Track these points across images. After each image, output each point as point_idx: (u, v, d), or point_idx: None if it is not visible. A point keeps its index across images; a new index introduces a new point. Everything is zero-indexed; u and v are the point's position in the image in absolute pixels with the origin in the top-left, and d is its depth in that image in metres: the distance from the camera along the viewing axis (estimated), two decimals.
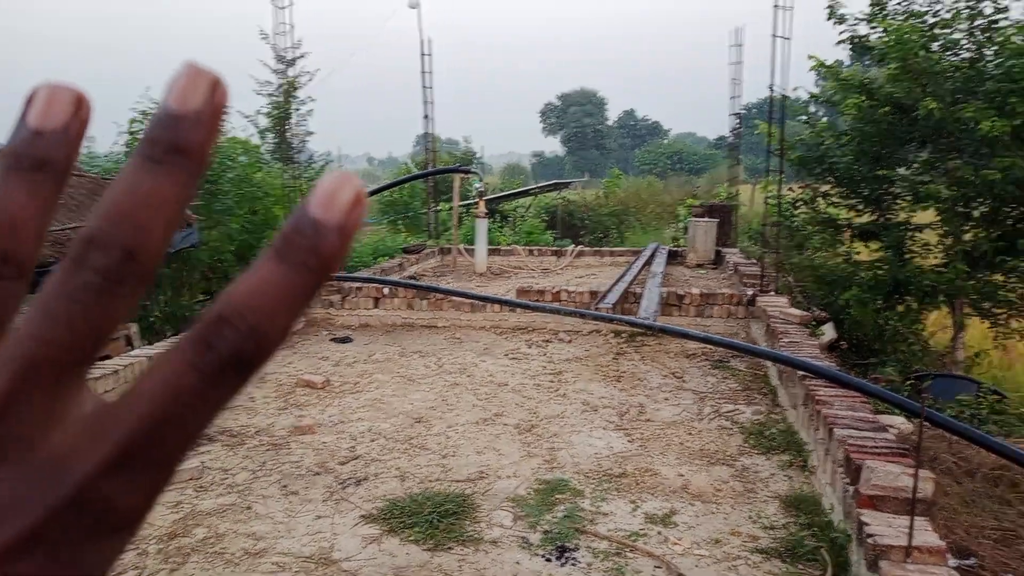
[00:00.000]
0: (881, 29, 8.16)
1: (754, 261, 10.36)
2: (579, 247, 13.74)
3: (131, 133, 9.44)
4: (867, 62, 9.13)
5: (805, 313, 7.12)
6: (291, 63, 12.83)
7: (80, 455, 0.21)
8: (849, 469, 3.63)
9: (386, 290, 8.55)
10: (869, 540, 3.09)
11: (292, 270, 0.21)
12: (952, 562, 3.20)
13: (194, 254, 8.71)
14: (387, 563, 3.46)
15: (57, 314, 0.20)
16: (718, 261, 12.15)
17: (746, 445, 4.92)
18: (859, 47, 8.74)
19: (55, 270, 0.21)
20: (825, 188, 9.21)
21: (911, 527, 2.98)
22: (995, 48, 7.85)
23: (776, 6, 7.60)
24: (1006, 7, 7.83)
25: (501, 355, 7.23)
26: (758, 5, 9.34)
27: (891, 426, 4.73)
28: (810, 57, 8.77)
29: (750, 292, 8.11)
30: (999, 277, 7.91)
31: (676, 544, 3.63)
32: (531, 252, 13.33)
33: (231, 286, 0.21)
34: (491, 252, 12.42)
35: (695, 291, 8.31)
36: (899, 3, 8.38)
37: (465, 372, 6.63)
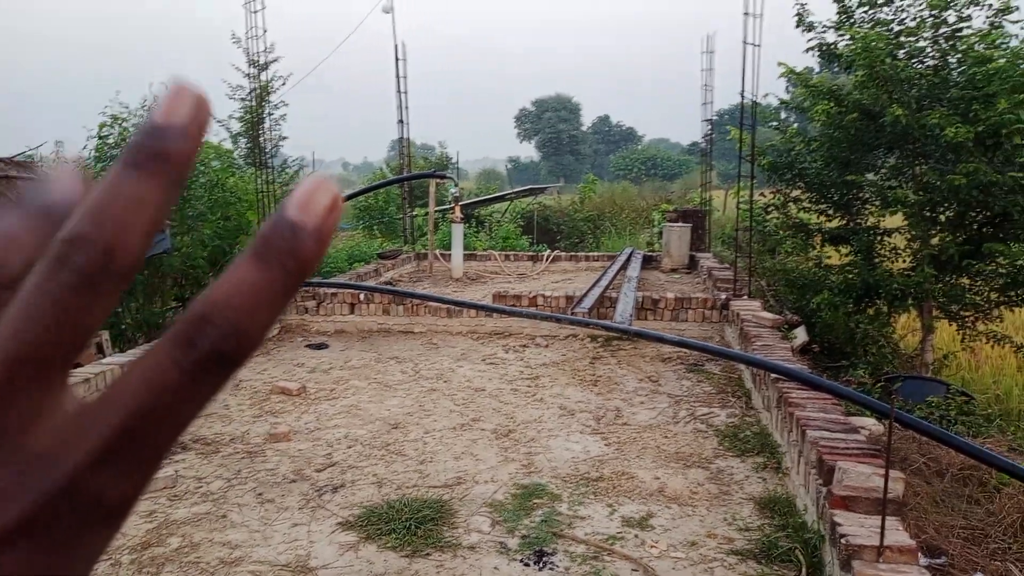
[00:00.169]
0: (848, 37, 8.31)
1: (727, 266, 10.48)
2: (555, 252, 13.79)
3: (100, 137, 9.30)
4: (835, 69, 9.28)
5: (777, 317, 7.21)
6: (264, 67, 12.74)
7: (67, 449, 0.21)
8: (822, 470, 3.69)
9: (362, 296, 8.51)
10: (842, 540, 3.14)
11: (271, 270, 0.21)
12: (923, 561, 3.26)
13: (166, 260, 8.59)
14: (365, 570, 3.45)
15: (39, 313, 0.21)
16: (692, 266, 12.27)
17: (721, 448, 4.97)
18: (827, 54, 8.88)
19: (36, 269, 0.21)
20: (796, 193, 9.34)
21: (882, 527, 3.04)
22: (959, 56, 8.03)
23: (746, 14, 7.71)
24: (969, 16, 8.01)
25: (478, 360, 7.23)
26: (729, 13, 9.47)
27: (862, 427, 4.81)
28: (780, 64, 8.90)
29: (724, 296, 8.20)
30: (966, 280, 8.07)
31: (653, 547, 3.65)
32: (507, 257, 13.35)
33: (211, 286, 0.22)
34: (467, 257, 12.42)
35: (670, 295, 8.39)
36: (866, 11, 8.53)
37: (442, 378, 6.62)
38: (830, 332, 8.16)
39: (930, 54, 8.23)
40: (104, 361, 6.12)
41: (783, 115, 11.16)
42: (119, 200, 0.21)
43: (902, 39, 8.18)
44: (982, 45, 7.75)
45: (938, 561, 3.59)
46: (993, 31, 7.95)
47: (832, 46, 8.80)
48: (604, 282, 9.20)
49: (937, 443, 4.48)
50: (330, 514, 3.99)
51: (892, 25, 8.36)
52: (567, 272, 12.70)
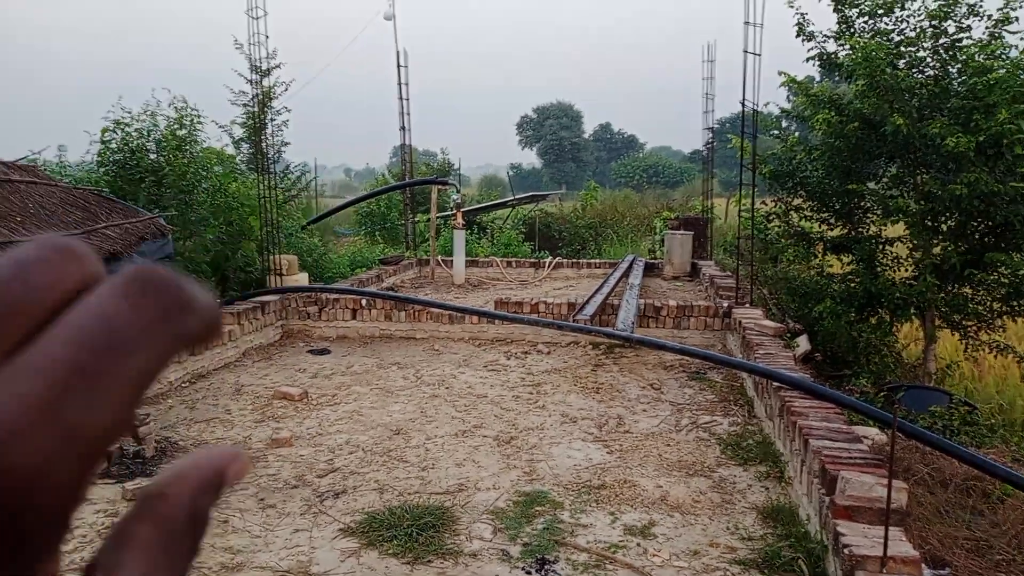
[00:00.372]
0: (849, 47, 8.33)
1: (729, 273, 10.48)
2: (557, 259, 13.80)
3: (103, 143, 9.32)
4: (837, 79, 9.31)
5: (779, 325, 7.21)
6: (266, 73, 12.79)
7: (13, 388, 0.19)
8: (824, 480, 3.68)
9: (364, 301, 8.51)
10: (845, 550, 3.13)
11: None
12: (927, 572, 3.25)
13: (169, 265, 8.60)
14: None
15: None
16: (694, 273, 12.27)
17: (723, 456, 4.96)
18: (828, 64, 8.91)
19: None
20: (797, 202, 9.36)
21: (886, 537, 3.03)
22: (959, 66, 8.05)
23: (747, 23, 7.73)
24: (969, 27, 8.04)
25: (480, 367, 7.23)
26: (730, 22, 9.49)
27: (865, 437, 4.80)
28: (780, 73, 8.93)
29: (726, 304, 8.20)
30: (968, 290, 8.08)
31: (655, 556, 3.65)
32: (509, 264, 13.36)
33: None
34: (469, 264, 12.42)
35: (672, 303, 8.38)
36: (866, 21, 8.56)
37: (444, 384, 6.61)
38: (832, 341, 8.16)
39: (930, 64, 8.26)
40: None
41: (784, 124, 11.18)
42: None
43: (902, 49, 8.20)
44: (982, 55, 7.78)
45: (942, 572, 3.58)
46: (993, 42, 7.97)
47: (833, 56, 8.82)
48: (606, 289, 9.20)
49: (940, 453, 4.47)
50: (332, 520, 3.98)
51: (892, 35, 8.39)
52: (569, 279, 12.70)
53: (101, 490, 4.27)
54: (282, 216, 10.59)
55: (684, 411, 5.92)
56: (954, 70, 8.19)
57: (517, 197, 20.29)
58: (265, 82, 12.52)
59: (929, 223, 8.14)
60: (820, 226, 9.33)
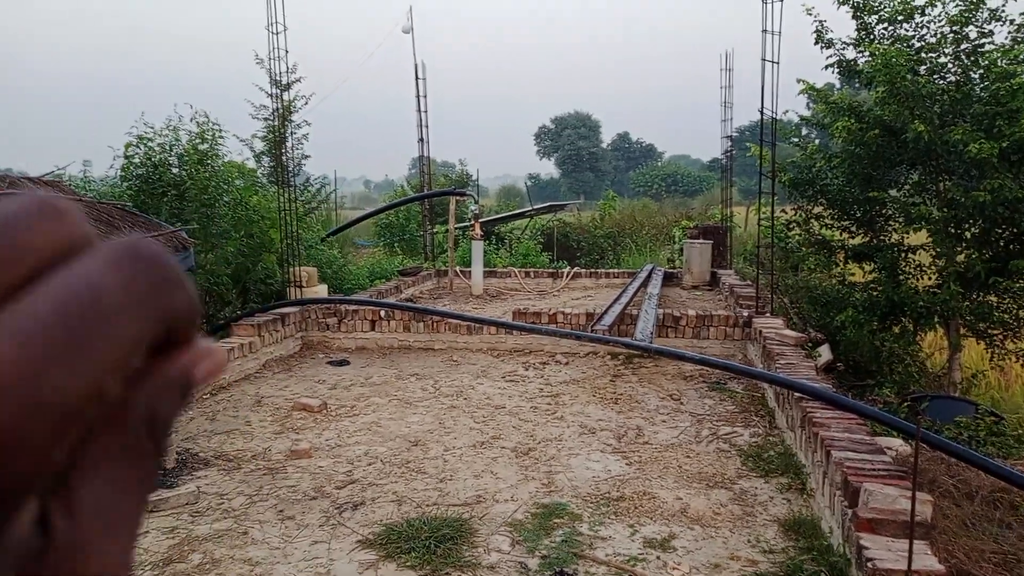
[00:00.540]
0: (868, 54, 8.27)
1: (749, 283, 10.40)
2: (575, 269, 13.78)
3: (127, 157, 9.47)
4: (856, 86, 9.24)
5: (800, 335, 7.14)
6: (286, 87, 12.95)
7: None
8: (847, 492, 3.63)
9: (383, 313, 8.55)
10: (868, 564, 3.08)
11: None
12: None
13: (190, 277, 8.69)
14: None
15: None
16: (714, 283, 12.20)
17: (744, 468, 4.91)
18: (847, 71, 8.85)
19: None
20: (818, 210, 9.28)
21: (910, 551, 2.98)
22: (981, 72, 7.96)
23: (764, 31, 7.71)
24: (991, 32, 7.95)
25: (498, 377, 7.22)
26: (748, 31, 9.47)
27: (889, 448, 4.73)
28: (799, 81, 8.88)
29: (746, 313, 8.13)
30: (993, 298, 7.95)
31: (675, 569, 3.61)
32: (527, 274, 13.36)
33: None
34: (487, 274, 12.45)
35: (691, 313, 8.33)
36: (885, 28, 8.50)
37: (462, 395, 6.61)
38: (855, 350, 8.06)
39: (952, 70, 8.17)
40: None
41: (805, 131, 11.10)
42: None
43: (923, 55, 8.13)
44: (1005, 60, 7.68)
45: None
46: (1016, 47, 7.88)
47: (852, 63, 8.76)
48: (624, 299, 9.17)
49: (966, 464, 4.39)
50: (350, 532, 3.99)
51: (913, 41, 8.32)
52: (587, 289, 12.68)
53: None
54: (302, 228, 10.67)
55: (704, 422, 5.88)
56: (976, 76, 8.10)
57: (535, 207, 20.32)
58: (285, 96, 12.67)
59: (952, 230, 8.04)
60: (841, 234, 9.24)
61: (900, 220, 8.60)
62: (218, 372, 0.25)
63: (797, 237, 9.54)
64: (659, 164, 69.44)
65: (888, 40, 8.44)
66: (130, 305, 0.21)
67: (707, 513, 4.23)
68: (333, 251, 12.84)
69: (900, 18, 8.37)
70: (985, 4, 7.99)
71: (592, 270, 14.09)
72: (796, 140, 10.13)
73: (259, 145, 15.35)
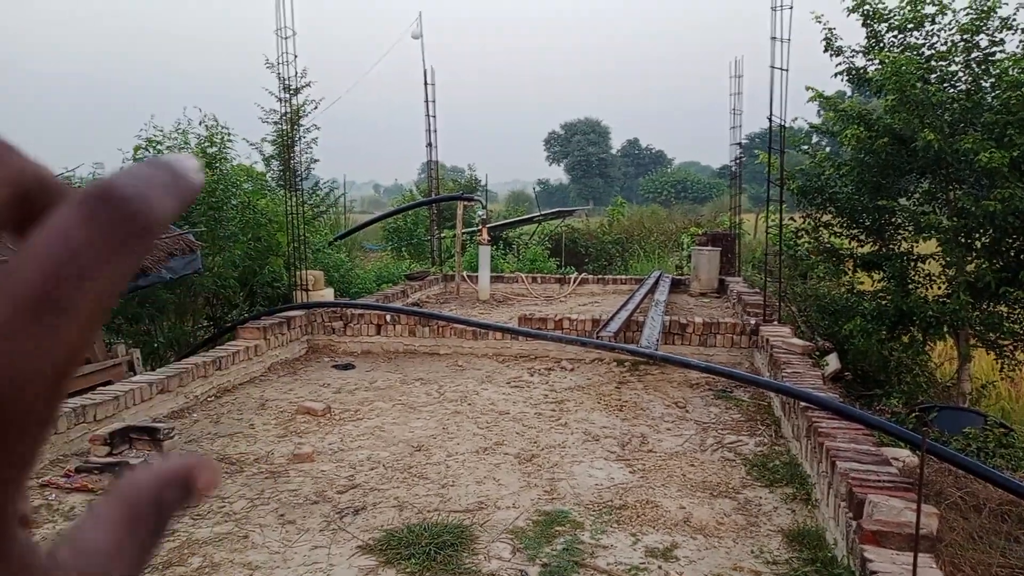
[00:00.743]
0: (878, 61, 8.23)
1: (757, 290, 10.35)
2: (582, 275, 13.76)
3: (136, 160, 9.51)
4: (867, 93, 9.19)
5: (808, 343, 7.09)
6: (296, 92, 13.00)
7: None
8: (852, 503, 3.59)
9: (388, 317, 8.55)
10: None
11: (162, 171, 0.24)
12: None
13: (197, 280, 8.72)
14: None
15: None
16: (722, 290, 12.14)
17: (749, 477, 4.87)
18: (857, 79, 8.81)
19: None
20: (827, 218, 9.22)
21: (915, 564, 2.94)
22: (992, 80, 7.91)
23: (773, 38, 7.68)
24: (1002, 40, 7.89)
25: (503, 383, 7.20)
26: (757, 37, 9.44)
27: (896, 458, 4.68)
28: (808, 88, 8.84)
29: (753, 321, 8.09)
30: (1003, 308, 7.87)
31: None
32: (534, 279, 13.34)
33: (109, 175, 0.23)
34: (494, 279, 12.44)
35: (698, 320, 8.29)
36: (895, 36, 8.45)
37: (466, 400, 6.60)
38: (863, 359, 8.00)
39: (962, 78, 8.12)
40: (135, 379, 6.20)
41: (815, 139, 11.05)
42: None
43: (933, 63, 8.08)
44: (1016, 69, 7.62)
45: None
46: None
47: (862, 70, 8.72)
48: (631, 306, 9.13)
49: (974, 477, 4.34)
50: (350, 537, 3.97)
51: (923, 49, 8.27)
52: (594, 295, 12.65)
53: None
54: (310, 232, 10.70)
55: (709, 430, 5.83)
56: (987, 84, 8.04)
57: (543, 213, 20.31)
58: (294, 100, 12.72)
59: (962, 240, 7.97)
60: (850, 242, 9.18)
61: (909, 229, 8.55)
62: (215, 485, 0.28)
63: (806, 245, 9.49)
64: (669, 170, 69.35)
65: (898, 48, 8.40)
66: (103, 257, 0.21)
67: (710, 523, 4.19)
68: (340, 255, 12.87)
69: (910, 26, 8.33)
70: (996, 12, 7.94)
71: (600, 276, 14.06)
72: (806, 148, 10.08)
73: (268, 149, 15.42)
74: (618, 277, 13.96)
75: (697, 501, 4.49)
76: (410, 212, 17.40)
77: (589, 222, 22.58)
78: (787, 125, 8.52)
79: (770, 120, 8.22)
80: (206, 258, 8.64)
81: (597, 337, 7.63)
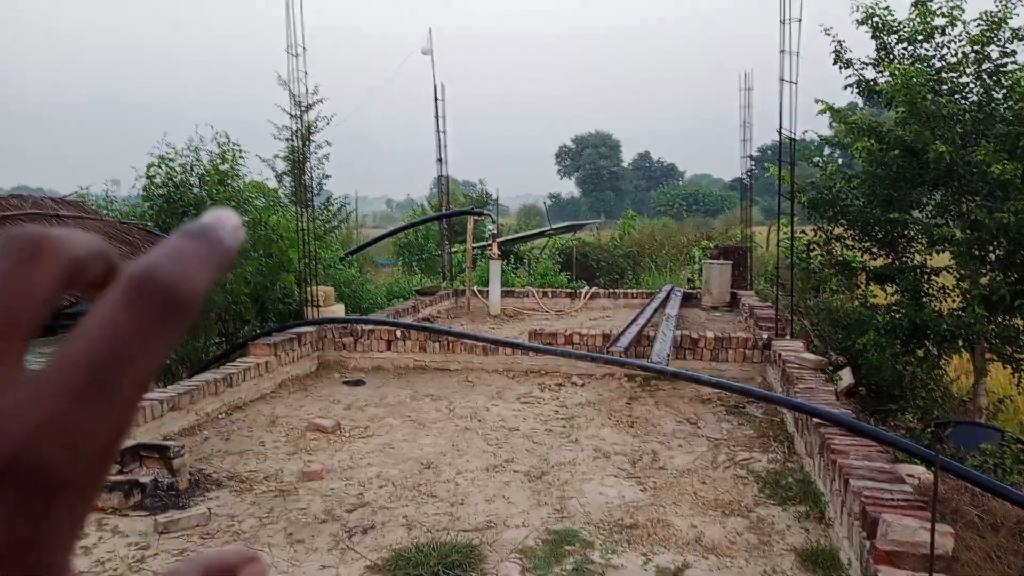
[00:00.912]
0: (888, 73, 8.20)
1: (769, 304, 10.28)
2: (593, 289, 13.73)
3: (148, 178, 9.61)
4: (878, 105, 9.16)
5: (820, 358, 7.02)
6: (307, 108, 13.10)
7: (31, 405, 0.22)
8: (866, 522, 3.53)
9: (398, 333, 8.55)
10: None
11: (198, 243, 0.25)
12: None
13: (209, 296, 8.75)
14: None
15: None
16: (734, 303, 12.08)
17: (762, 495, 4.81)
18: (867, 91, 8.77)
19: None
20: (839, 231, 9.16)
21: None
22: (1004, 91, 7.85)
23: (782, 51, 7.67)
24: (1013, 51, 7.84)
25: (513, 399, 7.18)
26: (767, 51, 9.44)
27: (910, 475, 4.62)
28: (818, 101, 8.81)
29: (765, 336, 8.03)
30: (1019, 322, 7.78)
31: None
32: (545, 294, 13.33)
33: (148, 254, 0.24)
34: (505, 294, 12.44)
35: (710, 335, 8.24)
36: (905, 48, 8.42)
37: (476, 416, 6.57)
38: (877, 374, 7.91)
39: (974, 90, 8.07)
40: (146, 396, 6.22)
41: (827, 151, 11.00)
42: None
43: (944, 75, 8.04)
44: None
45: None
46: None
47: (872, 83, 8.69)
48: (642, 320, 9.10)
49: (991, 494, 4.27)
50: (359, 556, 3.95)
51: (933, 61, 8.24)
52: (606, 309, 12.61)
53: (133, 522, 4.32)
54: (321, 248, 10.74)
55: (721, 447, 5.78)
56: (999, 95, 7.99)
57: (554, 227, 20.32)
58: (306, 117, 12.82)
59: (976, 252, 7.90)
60: (862, 255, 9.11)
61: (923, 242, 8.47)
62: None
63: (819, 258, 9.43)
64: (680, 183, 69.28)
65: (908, 60, 8.37)
66: (143, 340, 0.23)
67: (722, 542, 4.14)
68: (352, 270, 12.91)
69: (920, 38, 8.30)
70: (1007, 23, 7.90)
71: (611, 290, 14.02)
72: (818, 160, 10.03)
73: (281, 165, 15.52)
74: (629, 291, 13.92)
75: (709, 519, 4.44)
76: (421, 227, 17.46)
77: (600, 235, 22.56)
78: (797, 138, 8.49)
79: (780, 133, 8.20)
80: None
81: (607, 352, 7.60)
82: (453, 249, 15.42)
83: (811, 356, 6.95)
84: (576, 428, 6.24)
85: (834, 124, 9.99)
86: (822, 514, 4.44)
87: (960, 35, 8.13)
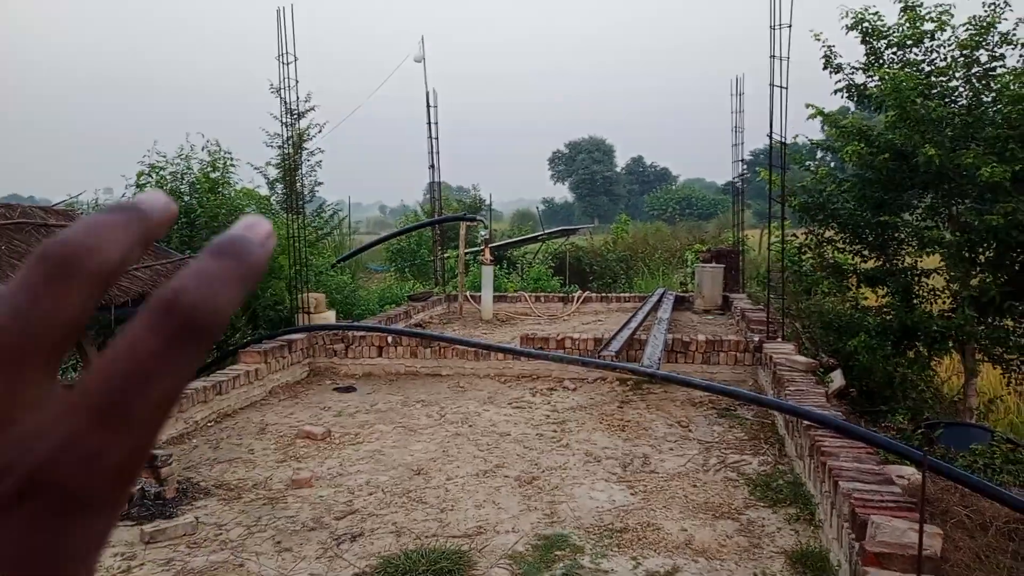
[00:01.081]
0: (877, 78, 8.24)
1: (761, 307, 10.29)
2: (586, 293, 13.73)
3: (138, 185, 9.58)
4: (869, 109, 9.20)
5: (811, 360, 7.03)
6: (300, 116, 13.08)
7: (59, 423, 0.22)
8: (855, 524, 3.53)
9: (389, 339, 8.53)
10: None
11: (226, 262, 0.25)
12: None
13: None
14: None
15: (15, 303, 0.23)
16: (726, 307, 12.09)
17: (752, 498, 4.80)
18: (857, 95, 8.81)
19: (21, 267, 0.23)
20: (829, 234, 9.18)
21: None
22: (993, 95, 7.90)
23: (772, 56, 7.69)
24: (1002, 55, 7.89)
25: (504, 404, 7.16)
26: (758, 57, 9.46)
27: (901, 476, 4.61)
28: (808, 106, 8.85)
29: (756, 339, 8.03)
30: (1009, 322, 7.80)
31: None
32: (538, 298, 13.32)
33: (176, 276, 0.24)
34: (498, 299, 12.42)
35: (701, 338, 8.24)
36: (894, 52, 8.47)
37: (467, 422, 6.56)
38: (868, 376, 7.92)
39: (963, 93, 8.11)
40: None
41: (819, 154, 11.02)
42: (98, 221, 0.25)
43: (933, 79, 8.08)
44: (1017, 84, 7.61)
45: None
46: None
47: (862, 87, 8.73)
48: (634, 324, 9.09)
49: (981, 495, 4.26)
50: (347, 564, 3.93)
51: (922, 65, 8.28)
52: (598, 313, 12.61)
53: (119, 532, 4.28)
54: (313, 254, 10.71)
55: (712, 450, 5.77)
56: (988, 99, 8.03)
57: (547, 231, 20.34)
58: (299, 124, 12.80)
59: (966, 254, 7.92)
60: (853, 258, 9.13)
61: (913, 244, 8.50)
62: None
63: (810, 261, 9.45)
64: (673, 187, 69.44)
65: (897, 64, 8.41)
66: (168, 365, 0.23)
67: (712, 545, 4.13)
68: (344, 277, 12.88)
69: (909, 43, 8.34)
70: (996, 28, 7.95)
71: (603, 294, 14.02)
72: (810, 164, 10.06)
73: (273, 172, 15.49)
74: (622, 295, 13.92)
75: (699, 523, 4.43)
76: (414, 233, 17.45)
77: (593, 240, 22.57)
78: (788, 142, 8.52)
79: (770, 137, 8.21)
80: None
81: (599, 356, 7.59)
82: (446, 255, 15.41)
83: (802, 358, 6.96)
84: (567, 432, 6.22)
85: (825, 128, 10.04)
86: (812, 516, 4.44)
87: (949, 40, 8.18)
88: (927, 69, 8.26)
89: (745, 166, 15.03)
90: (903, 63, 8.33)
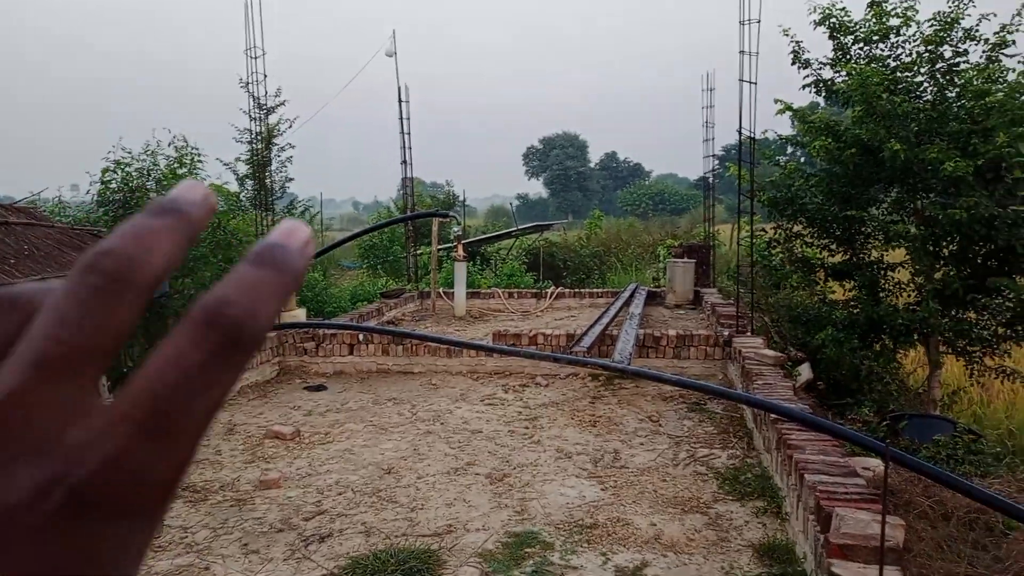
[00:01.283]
0: (844, 73, 8.32)
1: (731, 301, 10.38)
2: (559, 289, 13.74)
3: (103, 182, 9.39)
4: (840, 105, 9.29)
5: (780, 354, 7.10)
6: (270, 111, 12.91)
7: (104, 437, 0.22)
8: (820, 516, 3.57)
9: (361, 336, 8.46)
10: None
11: (266, 271, 0.25)
12: None
13: (166, 303, 8.61)
14: None
15: (66, 314, 0.23)
16: (697, 301, 12.18)
17: (720, 491, 4.84)
18: (825, 91, 8.90)
19: (68, 275, 0.23)
20: (798, 228, 9.28)
21: None
22: (957, 90, 8.02)
23: (742, 52, 7.75)
24: (965, 51, 8.01)
25: (477, 401, 7.14)
26: (728, 53, 9.53)
27: (866, 468, 4.67)
28: (776, 101, 8.92)
29: (726, 333, 8.10)
30: (972, 315, 7.95)
31: None
32: (511, 295, 13.31)
33: (216, 286, 0.24)
34: (471, 295, 12.39)
35: (672, 333, 8.29)
36: (861, 48, 8.56)
37: (439, 419, 6.53)
38: (835, 369, 8.02)
39: (928, 89, 8.23)
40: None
41: (790, 149, 11.12)
42: (143, 228, 0.24)
43: (899, 75, 8.18)
44: (980, 79, 7.73)
45: None
46: (991, 65, 7.94)
47: (829, 82, 8.82)
48: (605, 320, 9.12)
49: (943, 485, 4.34)
50: (315, 566, 3.89)
51: (888, 61, 8.38)
52: (571, 309, 12.63)
53: None
54: None
55: (682, 444, 5.81)
56: (952, 94, 8.15)
57: (520, 227, 20.32)
58: (269, 120, 12.63)
59: (930, 248, 8.05)
60: (821, 252, 9.23)
61: (879, 238, 8.61)
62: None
63: (779, 255, 9.54)
64: (646, 183, 69.84)
65: (864, 60, 8.50)
66: (210, 377, 0.23)
67: (681, 539, 4.15)
68: (315, 274, 12.76)
69: (876, 38, 8.43)
70: (960, 24, 8.06)
71: (576, 290, 14.05)
72: (780, 159, 10.14)
73: (242, 168, 15.28)
74: (595, 290, 13.96)
75: (668, 517, 4.45)
76: (386, 229, 17.33)
77: (567, 235, 22.62)
78: (757, 137, 8.58)
79: (740, 132, 8.28)
80: (174, 280, 8.53)
81: (570, 352, 7.60)
82: (419, 251, 15.33)
83: (771, 352, 7.03)
84: (539, 429, 6.22)
85: (795, 124, 10.13)
86: (779, 509, 4.49)
87: (914, 35, 8.28)
88: (893, 64, 8.35)
89: (717, 161, 15.16)
90: (869, 59, 8.42)
